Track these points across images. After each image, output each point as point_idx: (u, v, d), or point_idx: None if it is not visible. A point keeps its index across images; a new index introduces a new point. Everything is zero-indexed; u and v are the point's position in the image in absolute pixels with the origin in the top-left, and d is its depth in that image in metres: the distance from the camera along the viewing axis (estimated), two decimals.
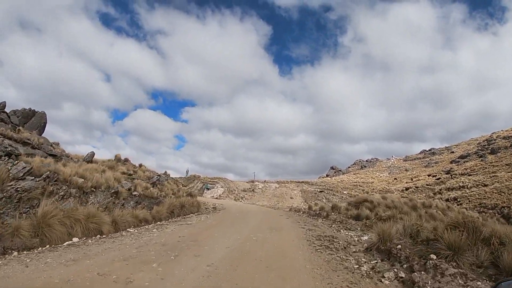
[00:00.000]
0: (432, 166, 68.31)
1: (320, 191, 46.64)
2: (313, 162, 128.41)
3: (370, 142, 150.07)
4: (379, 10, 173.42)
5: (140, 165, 25.52)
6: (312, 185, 58.07)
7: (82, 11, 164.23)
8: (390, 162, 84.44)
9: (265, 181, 55.00)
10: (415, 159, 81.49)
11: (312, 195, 45.75)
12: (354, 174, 79.62)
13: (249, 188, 50.41)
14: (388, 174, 73.01)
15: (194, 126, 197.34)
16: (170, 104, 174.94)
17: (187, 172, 50.91)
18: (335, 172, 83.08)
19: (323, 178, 75.14)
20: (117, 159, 24.22)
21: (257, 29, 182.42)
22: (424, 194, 45.38)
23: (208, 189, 45.76)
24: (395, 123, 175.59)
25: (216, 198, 43.14)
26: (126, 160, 28.72)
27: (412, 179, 62.36)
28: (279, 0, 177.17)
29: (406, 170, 73.31)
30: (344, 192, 49.15)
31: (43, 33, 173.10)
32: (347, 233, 11.05)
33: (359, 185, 60.52)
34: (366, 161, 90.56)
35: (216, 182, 47.77)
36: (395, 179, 67.44)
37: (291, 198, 45.57)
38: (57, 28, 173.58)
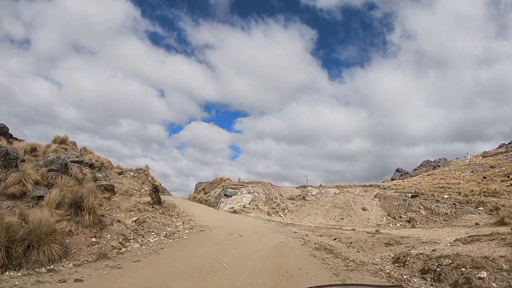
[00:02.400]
0: None
1: (414, 196, 28.04)
2: (371, 167, 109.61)
3: (430, 144, 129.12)
4: (425, 3, 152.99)
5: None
6: (385, 189, 39.70)
7: (131, 32, 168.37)
8: (467, 160, 66.06)
9: (320, 185, 37.58)
10: (495, 154, 63.21)
11: (398, 204, 27.33)
12: (428, 175, 60.62)
13: (299, 196, 33.10)
14: (471, 173, 55.33)
15: (248, 136, 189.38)
16: (223, 115, 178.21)
17: (239, 179, 36.30)
18: (401, 175, 64.02)
19: (389, 182, 56.27)
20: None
21: (302, 34, 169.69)
22: None
23: (228, 196, 29.01)
24: (455, 122, 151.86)
25: (235, 211, 26.38)
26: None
27: (508, 176, 45.36)
28: (321, 2, 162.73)
29: (491, 167, 55.34)
30: (444, 196, 30.06)
31: (97, 56, 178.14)
32: None
33: (446, 187, 42.33)
34: (434, 161, 71.48)
35: (244, 187, 30.88)
36: (484, 178, 49.97)
37: (364, 209, 27.48)
38: (109, 50, 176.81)
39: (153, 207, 13.96)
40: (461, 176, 54.81)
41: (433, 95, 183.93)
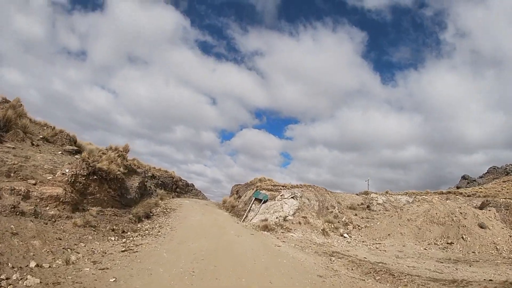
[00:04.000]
0: None
1: None
2: (426, 176, 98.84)
3: (489, 151, 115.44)
4: None
5: None
6: (469, 196, 28.72)
7: (182, 42, 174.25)
8: None
9: (387, 192, 27.29)
10: None
11: None
12: (504, 182, 48.22)
13: (361, 204, 22.98)
14: None
15: (299, 143, 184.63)
16: (274, 122, 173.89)
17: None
18: (468, 182, 52.12)
19: (456, 189, 44.49)
20: None
21: (351, 37, 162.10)
22: None
23: (260, 200, 19.39)
24: None
25: (266, 227, 16.64)
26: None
27: None
28: (368, 2, 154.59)
29: None
30: None
31: (150, 65, 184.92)
32: None
33: None
34: (500, 167, 59.51)
35: (288, 189, 20.89)
36: None
37: (482, 226, 16.85)
38: (161, 59, 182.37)
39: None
40: None
41: (491, 97, 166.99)
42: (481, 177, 58.23)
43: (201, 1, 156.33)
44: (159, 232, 12.88)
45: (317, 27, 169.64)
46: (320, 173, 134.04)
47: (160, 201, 19.90)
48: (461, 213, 17.93)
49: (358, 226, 19.82)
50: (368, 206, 23.23)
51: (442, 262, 12.82)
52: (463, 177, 55.12)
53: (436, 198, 28.30)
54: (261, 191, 20.22)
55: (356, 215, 21.68)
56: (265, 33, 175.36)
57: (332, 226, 18.85)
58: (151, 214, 16.36)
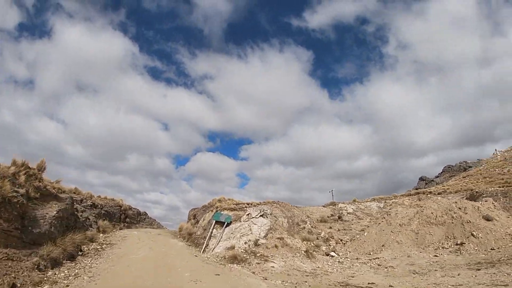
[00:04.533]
0: None
1: None
2: (382, 183, 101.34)
3: (439, 153, 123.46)
4: (417, 11, 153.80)
5: None
6: (439, 193, 27.26)
7: (131, 68, 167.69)
8: (499, 157, 56.70)
9: (354, 200, 24.58)
10: None
11: None
12: (464, 177, 49.08)
13: (331, 216, 19.44)
14: None
15: (255, 162, 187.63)
16: (228, 144, 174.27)
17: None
18: (426, 183, 52.21)
19: (420, 190, 43.81)
20: None
21: (297, 57, 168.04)
22: None
23: (225, 224, 14.86)
24: (461, 127, 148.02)
25: (235, 257, 12.23)
26: None
27: None
28: (312, 22, 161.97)
29: None
30: None
31: (99, 93, 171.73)
32: None
33: None
34: (455, 165, 61.90)
35: (253, 207, 16.66)
36: None
37: (488, 219, 14.06)
38: (111, 86, 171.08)
39: None
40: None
41: (437, 102, 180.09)
42: (437, 176, 59.11)
43: (149, 27, 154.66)
44: (67, 286, 8.01)
45: (264, 49, 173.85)
46: (278, 190, 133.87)
47: (99, 235, 15.29)
48: (459, 208, 15.13)
49: (341, 240, 16.16)
50: (339, 217, 20.08)
51: (479, 269, 9.47)
52: (421, 178, 55.36)
53: (406, 200, 26.10)
54: (222, 212, 15.73)
55: (331, 228, 18.14)
56: (214, 57, 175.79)
57: (312, 244, 14.93)
58: (80, 253, 11.40)
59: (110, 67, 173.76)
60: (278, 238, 14.06)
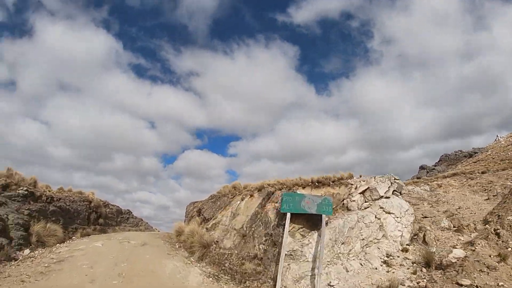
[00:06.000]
0: None
1: None
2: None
3: (425, 145, 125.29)
4: (401, 6, 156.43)
5: None
6: (471, 174, 24.48)
7: (115, 66, 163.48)
8: (502, 142, 57.45)
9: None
10: None
11: None
12: (475, 162, 48.52)
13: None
14: None
15: (243, 159, 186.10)
16: (216, 141, 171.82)
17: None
18: (427, 172, 50.40)
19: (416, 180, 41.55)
20: None
21: (283, 52, 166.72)
22: None
23: (316, 219, 8.28)
24: (447, 119, 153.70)
25: None
26: None
27: None
28: (297, 18, 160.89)
29: None
30: None
31: (83, 92, 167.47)
32: None
33: None
34: (451, 154, 61.72)
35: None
36: None
37: None
38: (95, 85, 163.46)
39: None
40: None
41: (421, 96, 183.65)
42: (435, 165, 57.84)
43: (132, 23, 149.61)
44: None
45: (250, 44, 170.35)
46: None
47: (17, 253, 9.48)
48: None
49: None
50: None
51: None
52: (421, 167, 53.75)
53: (452, 181, 23.16)
54: (303, 193, 9.43)
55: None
56: (199, 53, 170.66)
57: None
58: None
59: (93, 65, 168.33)
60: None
